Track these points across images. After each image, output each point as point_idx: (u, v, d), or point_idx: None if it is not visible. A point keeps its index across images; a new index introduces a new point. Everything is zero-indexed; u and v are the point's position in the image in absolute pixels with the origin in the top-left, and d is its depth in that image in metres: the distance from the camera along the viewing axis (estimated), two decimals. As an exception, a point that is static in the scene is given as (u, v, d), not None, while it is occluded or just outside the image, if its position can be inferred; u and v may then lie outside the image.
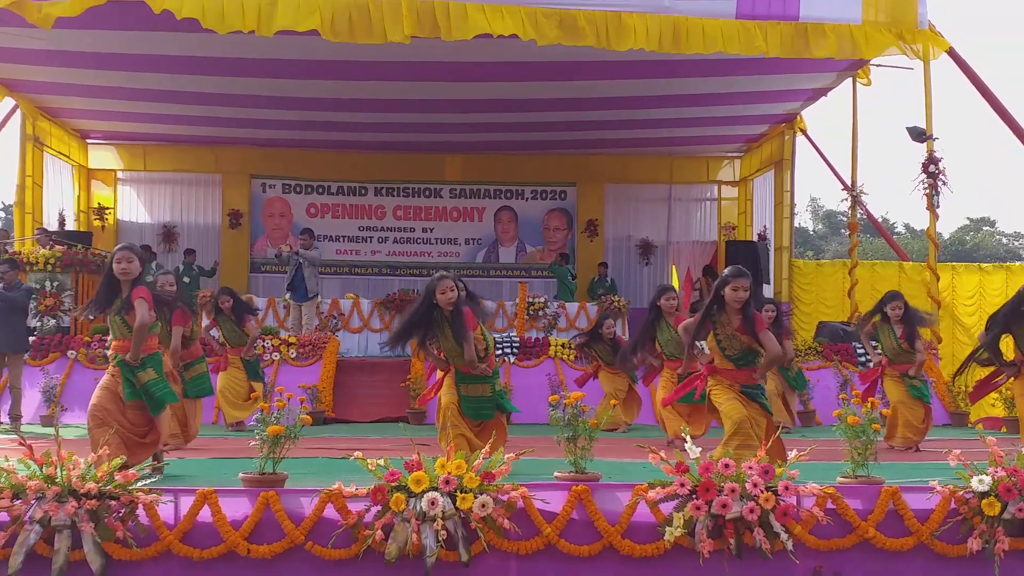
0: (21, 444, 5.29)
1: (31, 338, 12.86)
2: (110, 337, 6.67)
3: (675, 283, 20.24)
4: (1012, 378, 8.57)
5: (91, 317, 7.02)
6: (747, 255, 16.84)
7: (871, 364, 10.12)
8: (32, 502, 4.96)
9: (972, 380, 10.01)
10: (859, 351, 13.83)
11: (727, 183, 21.15)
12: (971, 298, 17.54)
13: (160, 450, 6.92)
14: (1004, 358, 8.59)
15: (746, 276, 6.70)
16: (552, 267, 19.58)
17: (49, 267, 13.93)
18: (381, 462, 5.18)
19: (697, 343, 7.19)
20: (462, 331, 7.28)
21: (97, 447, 5.65)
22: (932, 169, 13.84)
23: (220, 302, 11.26)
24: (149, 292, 6.56)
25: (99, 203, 20.00)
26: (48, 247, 14.40)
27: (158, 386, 6.57)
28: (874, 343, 9.81)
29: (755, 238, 18.94)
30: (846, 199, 16.61)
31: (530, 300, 16.39)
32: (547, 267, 19.99)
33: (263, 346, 13.55)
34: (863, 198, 16.51)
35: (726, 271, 6.83)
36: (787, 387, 11.30)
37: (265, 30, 11.56)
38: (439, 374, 7.66)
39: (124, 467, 5.18)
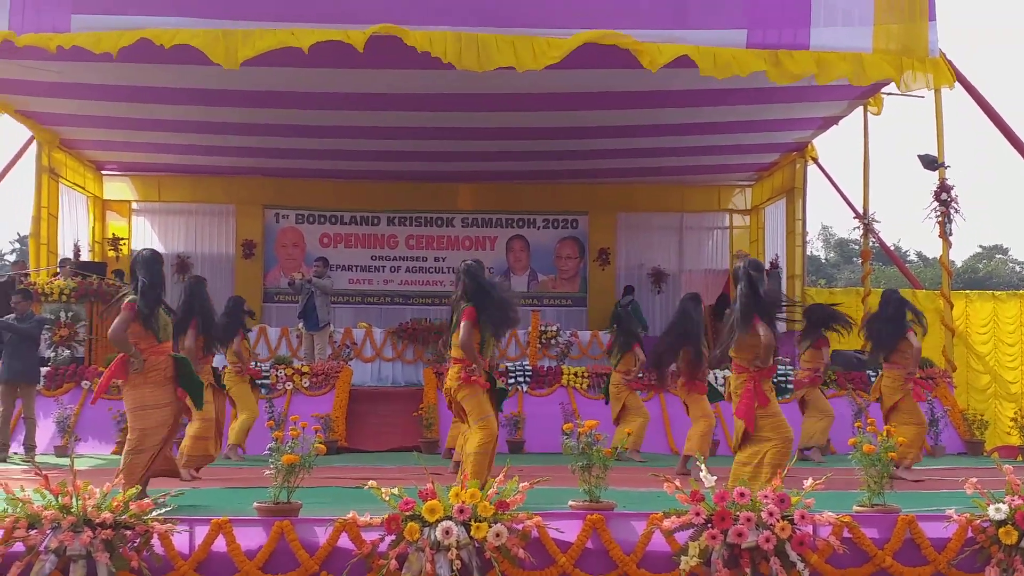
0: (37, 474, 5.30)
1: (44, 369, 12.92)
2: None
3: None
4: None
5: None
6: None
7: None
8: (47, 532, 4.96)
9: None
10: (873, 379, 13.74)
11: (739, 211, 21.13)
12: (985, 326, 17.47)
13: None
14: None
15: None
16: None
17: (64, 297, 14.02)
18: (395, 491, 5.18)
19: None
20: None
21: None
22: (944, 197, 13.83)
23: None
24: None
25: (113, 234, 20.07)
26: (71, 277, 14.44)
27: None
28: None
29: (767, 266, 18.91)
30: (858, 227, 16.59)
31: (542, 328, 16.36)
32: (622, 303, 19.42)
33: (276, 375, 13.58)
34: (875, 226, 16.49)
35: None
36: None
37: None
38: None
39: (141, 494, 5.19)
